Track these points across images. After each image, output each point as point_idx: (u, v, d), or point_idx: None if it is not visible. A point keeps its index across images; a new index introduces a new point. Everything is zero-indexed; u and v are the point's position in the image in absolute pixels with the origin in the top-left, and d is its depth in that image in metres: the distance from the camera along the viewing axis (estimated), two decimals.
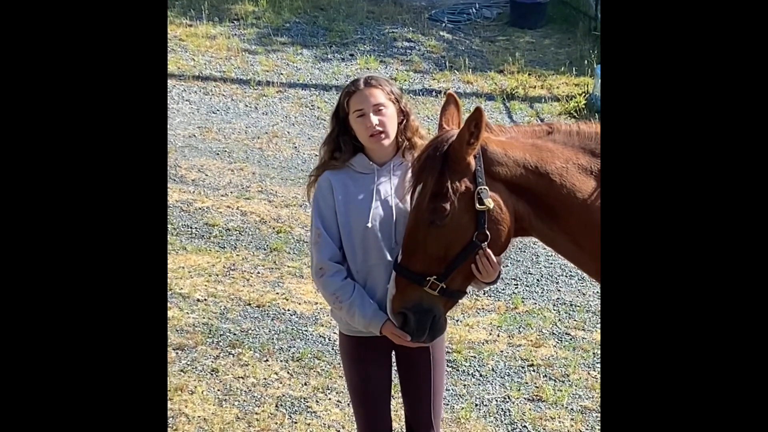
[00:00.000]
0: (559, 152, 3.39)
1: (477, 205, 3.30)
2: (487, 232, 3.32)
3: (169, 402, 5.07)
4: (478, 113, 3.24)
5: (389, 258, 3.56)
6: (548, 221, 3.39)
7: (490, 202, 3.30)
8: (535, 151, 3.38)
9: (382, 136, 3.58)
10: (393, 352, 3.78)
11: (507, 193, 3.36)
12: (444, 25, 13.18)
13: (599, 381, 5.53)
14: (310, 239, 3.71)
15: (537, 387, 5.48)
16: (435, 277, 3.35)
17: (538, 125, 3.63)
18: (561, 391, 5.42)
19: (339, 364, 5.58)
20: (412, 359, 3.76)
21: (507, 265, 7.06)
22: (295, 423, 5.03)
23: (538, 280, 6.90)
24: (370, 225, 3.56)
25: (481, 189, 3.30)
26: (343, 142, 3.63)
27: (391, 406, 3.82)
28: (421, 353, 3.74)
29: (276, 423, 5.03)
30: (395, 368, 3.83)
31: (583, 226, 3.32)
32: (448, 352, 5.64)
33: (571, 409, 5.27)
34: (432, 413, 3.79)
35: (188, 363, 5.56)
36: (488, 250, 3.35)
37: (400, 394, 3.89)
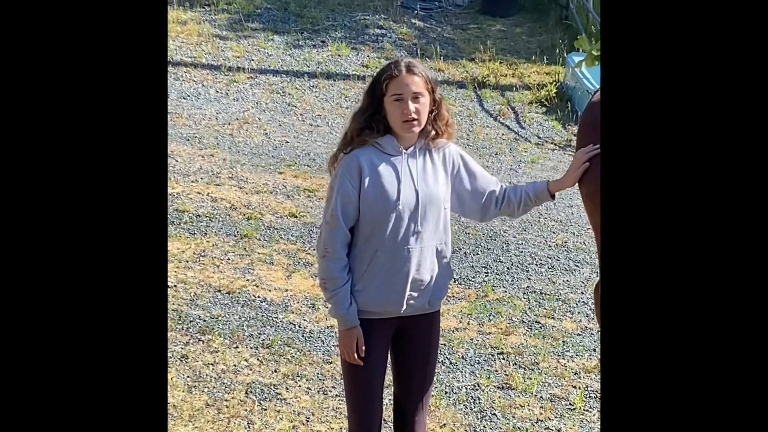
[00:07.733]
0: None
1: None
2: None
3: None
4: None
5: (413, 241, 3.61)
6: None
7: None
8: None
9: (415, 123, 3.59)
10: (392, 334, 3.79)
11: None
12: (416, 12, 13.18)
13: (568, 369, 5.56)
14: (323, 214, 3.70)
15: (507, 375, 5.50)
16: None
17: None
18: (530, 379, 5.45)
19: (309, 351, 5.58)
20: (420, 337, 3.78)
21: (477, 253, 7.07)
22: (265, 410, 5.02)
23: (508, 268, 6.92)
24: (401, 206, 3.58)
25: None
26: (376, 122, 3.61)
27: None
28: (428, 333, 3.79)
29: (245, 410, 5.02)
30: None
31: None
32: None
33: (541, 397, 5.30)
34: (424, 394, 3.82)
35: None
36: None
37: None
